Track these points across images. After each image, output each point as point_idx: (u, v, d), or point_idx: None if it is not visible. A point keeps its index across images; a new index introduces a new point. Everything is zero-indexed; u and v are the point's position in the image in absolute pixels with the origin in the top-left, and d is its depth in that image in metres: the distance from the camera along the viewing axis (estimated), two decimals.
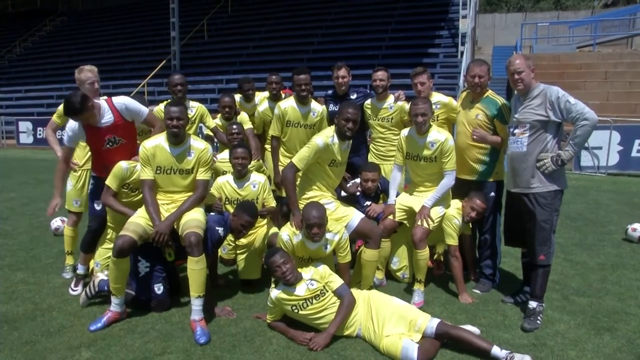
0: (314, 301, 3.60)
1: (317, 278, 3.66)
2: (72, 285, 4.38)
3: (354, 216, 4.15)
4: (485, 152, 4.38)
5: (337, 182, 4.35)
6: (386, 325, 3.44)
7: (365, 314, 3.60)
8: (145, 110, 4.39)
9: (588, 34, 21.24)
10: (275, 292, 3.67)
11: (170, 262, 4.18)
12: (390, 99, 5.20)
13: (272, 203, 4.62)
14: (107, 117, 4.18)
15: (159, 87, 18.48)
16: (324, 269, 3.72)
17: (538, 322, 3.82)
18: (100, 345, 3.50)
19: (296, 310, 3.62)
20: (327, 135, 4.11)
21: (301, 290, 3.61)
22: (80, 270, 4.49)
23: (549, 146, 3.84)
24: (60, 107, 4.72)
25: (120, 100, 4.27)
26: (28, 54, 26.90)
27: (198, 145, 4.06)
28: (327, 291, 3.64)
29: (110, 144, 4.20)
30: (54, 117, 4.81)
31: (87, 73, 4.67)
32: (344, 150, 4.19)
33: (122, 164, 4.12)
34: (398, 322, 3.44)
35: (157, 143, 3.98)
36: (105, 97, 4.30)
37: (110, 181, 4.11)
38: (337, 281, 3.69)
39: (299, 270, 3.74)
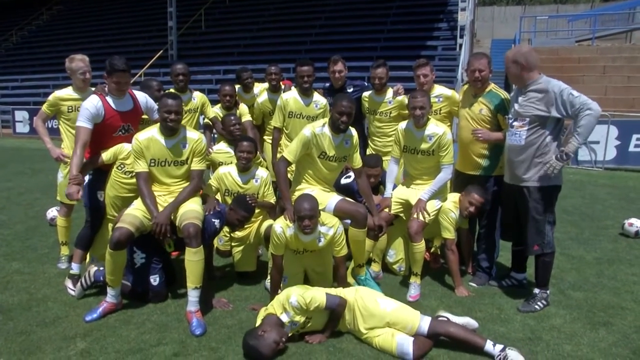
0: (302, 330, 3.48)
1: (297, 317, 3.39)
2: (70, 285, 4.25)
3: (330, 200, 4.04)
4: (490, 146, 4.36)
5: (331, 177, 4.25)
6: (374, 330, 3.40)
7: (350, 321, 3.51)
8: None
9: (587, 28, 21.17)
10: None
11: (166, 253, 4.17)
12: (389, 93, 5.17)
13: (272, 198, 4.60)
14: (129, 103, 4.20)
15: (157, 77, 18.31)
16: (298, 302, 3.34)
17: (536, 307, 3.93)
18: (96, 336, 3.50)
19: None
20: (315, 126, 4.08)
21: (287, 330, 3.39)
22: (75, 269, 4.31)
23: (547, 141, 3.83)
24: (51, 98, 4.66)
25: (142, 94, 4.37)
26: (24, 42, 26.67)
27: (192, 135, 4.04)
28: (310, 318, 3.43)
29: (123, 131, 4.18)
30: (44, 108, 4.71)
31: (79, 62, 4.60)
32: (337, 145, 4.08)
33: (125, 144, 4.15)
34: (385, 327, 3.40)
35: (150, 135, 3.95)
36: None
37: (107, 152, 4.14)
38: (320, 300, 3.39)
39: (271, 311, 3.45)
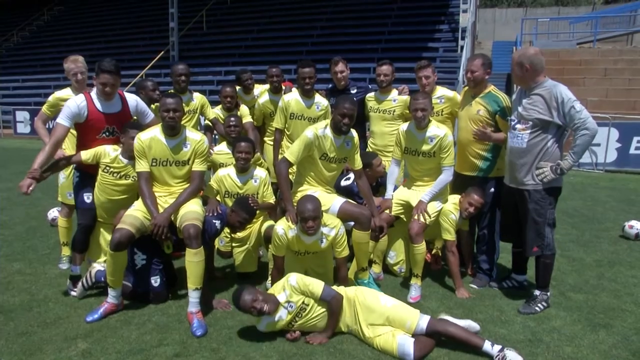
0: (298, 318, 3.49)
1: (294, 297, 3.47)
2: (71, 286, 4.25)
3: (334, 202, 4.06)
4: (487, 148, 4.37)
5: (331, 178, 4.27)
6: (374, 328, 3.41)
7: (351, 317, 3.53)
8: (152, 114, 4.40)
9: (588, 30, 21.18)
10: (261, 325, 3.52)
11: (167, 254, 4.17)
12: (394, 92, 5.19)
13: (271, 199, 4.61)
14: (117, 105, 4.13)
15: (157, 78, 18.34)
16: (297, 283, 3.48)
17: (536, 308, 3.93)
18: (97, 337, 3.50)
19: (288, 328, 3.54)
20: (317, 127, 4.09)
21: (282, 314, 3.48)
22: (75, 270, 4.30)
23: (549, 145, 3.83)
24: (51, 98, 4.66)
25: (133, 97, 4.28)
26: (25, 43, 26.71)
27: (194, 136, 4.05)
28: (308, 304, 3.49)
29: (107, 133, 4.12)
30: (44, 109, 4.71)
31: (70, 64, 4.60)
32: (339, 147, 4.11)
33: (107, 147, 4.10)
34: (385, 324, 3.41)
35: (152, 135, 3.95)
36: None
37: (86, 152, 4.06)
38: (317, 288, 3.47)
39: (272, 292, 3.57)
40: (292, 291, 3.48)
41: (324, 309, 3.50)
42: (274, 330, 3.53)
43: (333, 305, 3.48)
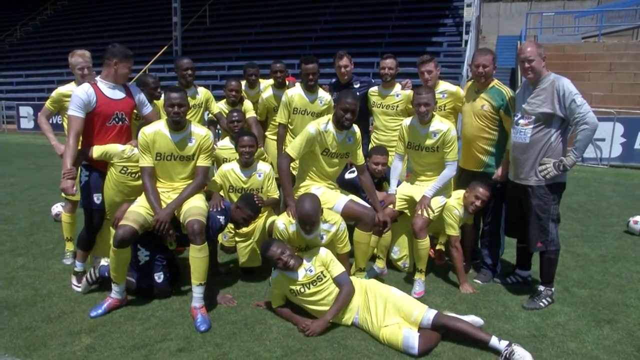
0: (311, 286, 3.61)
1: (317, 265, 3.66)
2: (75, 282, 4.25)
3: (339, 200, 4.05)
4: (492, 143, 4.35)
5: (334, 173, 4.26)
6: (383, 316, 3.44)
7: (362, 304, 3.60)
8: (150, 107, 4.41)
9: (593, 25, 21.01)
10: (274, 273, 3.72)
11: (170, 250, 4.17)
12: (397, 87, 5.17)
13: (275, 194, 4.60)
14: (120, 92, 4.15)
15: (161, 72, 18.35)
16: (326, 255, 3.71)
17: (541, 304, 3.93)
18: (101, 332, 3.51)
19: (294, 293, 3.65)
20: (319, 123, 4.07)
21: (300, 275, 3.63)
22: (79, 267, 4.29)
23: (552, 139, 3.81)
24: (54, 94, 4.66)
25: (135, 87, 4.33)
26: (29, 38, 26.73)
27: (199, 131, 4.02)
28: (325, 276, 3.65)
29: (117, 120, 4.10)
30: (47, 104, 4.70)
31: (78, 58, 4.59)
32: (340, 142, 4.10)
33: (119, 145, 4.08)
34: (393, 313, 3.44)
35: (156, 129, 3.92)
36: None
37: (98, 147, 4.02)
38: (338, 268, 3.69)
39: (301, 254, 3.76)
40: (318, 259, 3.67)
41: (335, 293, 3.60)
42: (282, 287, 3.69)
43: (344, 289, 3.60)
